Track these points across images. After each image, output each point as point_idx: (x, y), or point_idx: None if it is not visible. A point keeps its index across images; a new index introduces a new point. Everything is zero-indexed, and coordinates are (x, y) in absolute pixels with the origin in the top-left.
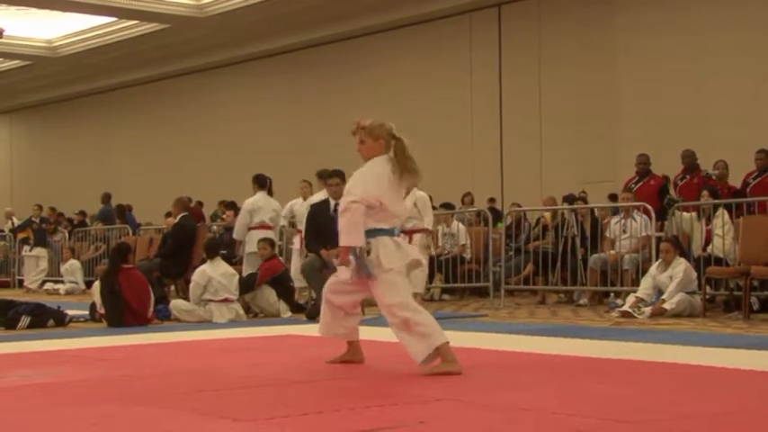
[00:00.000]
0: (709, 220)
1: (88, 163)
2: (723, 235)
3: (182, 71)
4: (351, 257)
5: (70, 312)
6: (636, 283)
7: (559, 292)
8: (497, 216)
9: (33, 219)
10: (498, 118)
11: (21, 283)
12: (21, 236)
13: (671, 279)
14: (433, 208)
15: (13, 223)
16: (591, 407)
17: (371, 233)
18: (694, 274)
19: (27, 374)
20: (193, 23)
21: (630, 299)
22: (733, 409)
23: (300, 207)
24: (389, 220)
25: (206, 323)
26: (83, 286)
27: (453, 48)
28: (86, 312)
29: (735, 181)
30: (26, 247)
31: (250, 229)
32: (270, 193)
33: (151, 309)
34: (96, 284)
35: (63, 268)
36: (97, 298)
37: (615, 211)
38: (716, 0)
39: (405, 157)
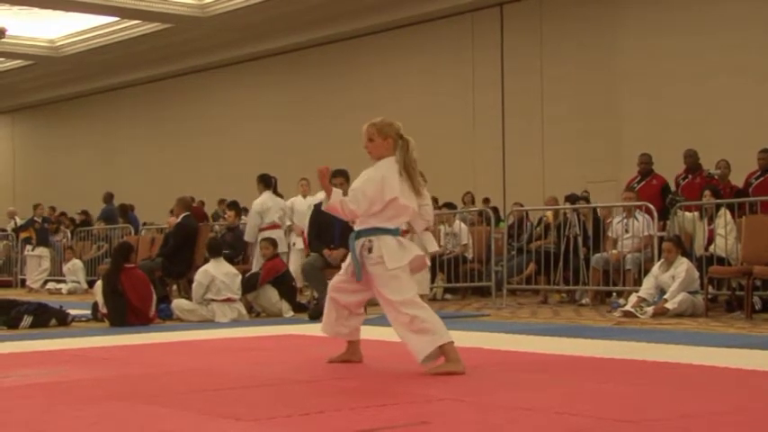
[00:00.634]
0: (711, 220)
1: (90, 162)
2: (725, 235)
3: (184, 71)
4: (349, 257)
5: (72, 312)
6: (638, 282)
7: (561, 292)
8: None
9: (36, 218)
10: (500, 117)
11: (23, 282)
12: (23, 235)
13: (673, 279)
14: (436, 207)
15: (15, 223)
16: (593, 406)
17: (374, 232)
18: (696, 274)
19: (29, 374)
20: (195, 23)
21: (633, 298)
22: (735, 408)
23: (301, 205)
24: (393, 219)
25: (208, 323)
26: (85, 286)
27: (455, 47)
28: (88, 312)
29: (737, 180)
30: (28, 247)
31: (261, 230)
32: (275, 192)
33: (153, 308)
34: (98, 284)
35: (65, 268)
36: (99, 297)
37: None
38: None
39: (410, 159)
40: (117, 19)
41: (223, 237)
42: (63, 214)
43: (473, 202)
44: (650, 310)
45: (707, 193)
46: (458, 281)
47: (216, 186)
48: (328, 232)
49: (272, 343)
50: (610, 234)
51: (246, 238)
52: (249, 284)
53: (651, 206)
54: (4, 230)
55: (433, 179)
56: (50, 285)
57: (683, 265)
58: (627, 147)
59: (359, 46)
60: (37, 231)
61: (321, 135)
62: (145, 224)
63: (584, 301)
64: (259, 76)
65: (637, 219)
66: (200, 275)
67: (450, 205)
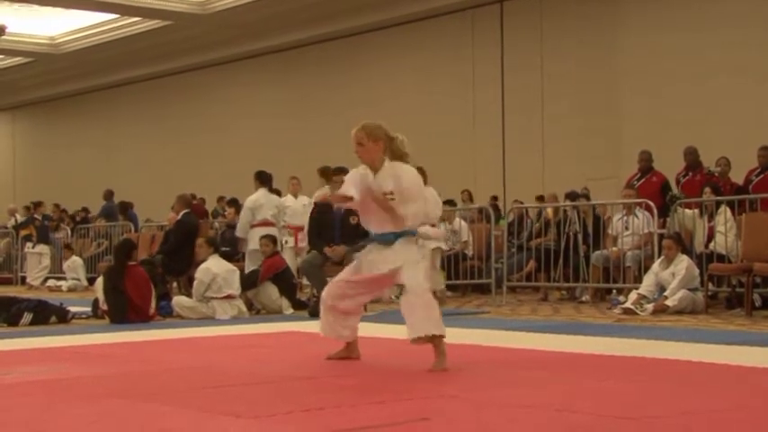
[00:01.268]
0: (711, 217)
1: (90, 160)
2: (725, 232)
3: (184, 68)
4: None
5: (72, 309)
6: (638, 279)
7: (561, 289)
8: (497, 214)
9: (36, 216)
10: (500, 114)
11: (23, 279)
12: (23, 233)
13: (673, 276)
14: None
15: (15, 220)
16: (593, 403)
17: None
18: (696, 271)
19: (29, 371)
20: (195, 20)
21: (633, 296)
22: (735, 405)
23: (293, 204)
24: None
25: (208, 320)
26: (85, 283)
27: (455, 44)
28: (89, 309)
29: (737, 178)
30: (29, 244)
31: (252, 226)
32: (271, 189)
33: (153, 305)
34: (99, 281)
35: (65, 265)
36: (100, 294)
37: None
38: None
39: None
40: (117, 16)
41: (223, 234)
42: (63, 211)
43: (471, 200)
44: (650, 307)
45: (707, 190)
46: (458, 278)
47: (216, 183)
48: (329, 231)
49: (272, 340)
50: (610, 231)
51: (237, 233)
52: (249, 281)
53: (651, 203)
54: (4, 227)
55: (433, 176)
56: (51, 282)
57: (683, 263)
58: (627, 144)
59: (358, 43)
60: (37, 229)
61: (321, 132)
62: (147, 220)
63: (584, 299)
64: (258, 73)
65: (637, 216)
66: (202, 273)
67: (450, 202)
